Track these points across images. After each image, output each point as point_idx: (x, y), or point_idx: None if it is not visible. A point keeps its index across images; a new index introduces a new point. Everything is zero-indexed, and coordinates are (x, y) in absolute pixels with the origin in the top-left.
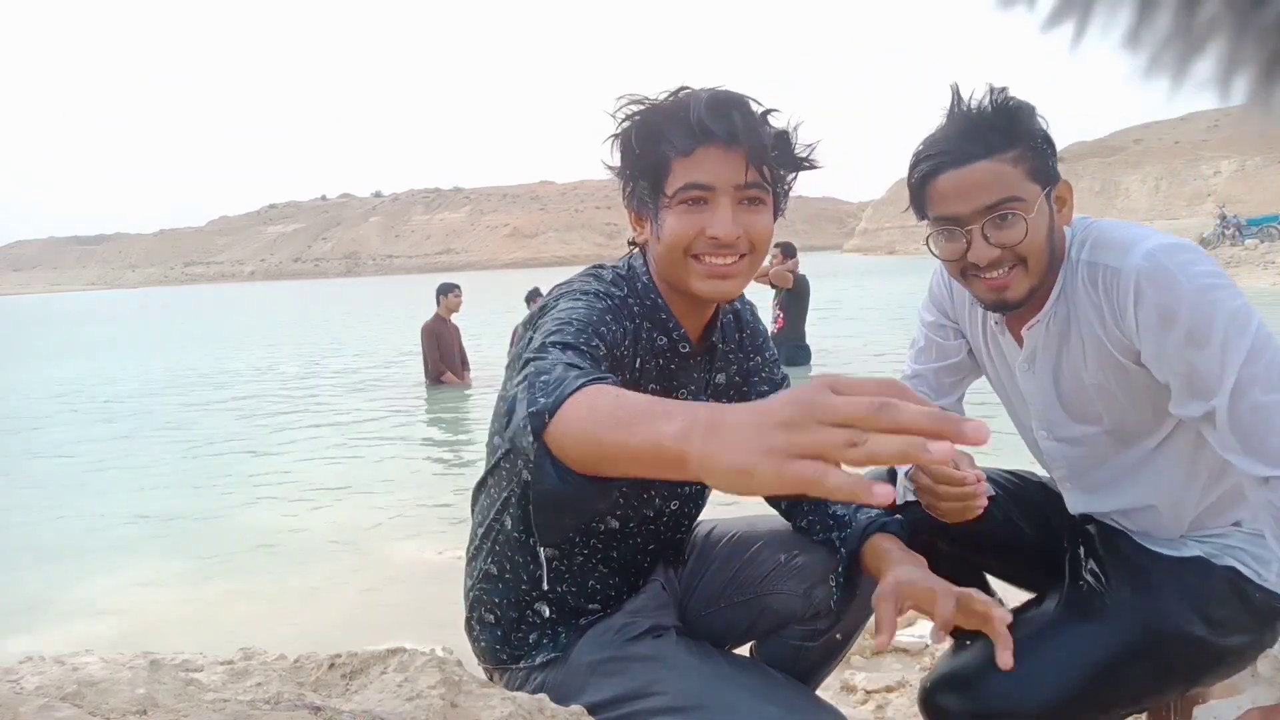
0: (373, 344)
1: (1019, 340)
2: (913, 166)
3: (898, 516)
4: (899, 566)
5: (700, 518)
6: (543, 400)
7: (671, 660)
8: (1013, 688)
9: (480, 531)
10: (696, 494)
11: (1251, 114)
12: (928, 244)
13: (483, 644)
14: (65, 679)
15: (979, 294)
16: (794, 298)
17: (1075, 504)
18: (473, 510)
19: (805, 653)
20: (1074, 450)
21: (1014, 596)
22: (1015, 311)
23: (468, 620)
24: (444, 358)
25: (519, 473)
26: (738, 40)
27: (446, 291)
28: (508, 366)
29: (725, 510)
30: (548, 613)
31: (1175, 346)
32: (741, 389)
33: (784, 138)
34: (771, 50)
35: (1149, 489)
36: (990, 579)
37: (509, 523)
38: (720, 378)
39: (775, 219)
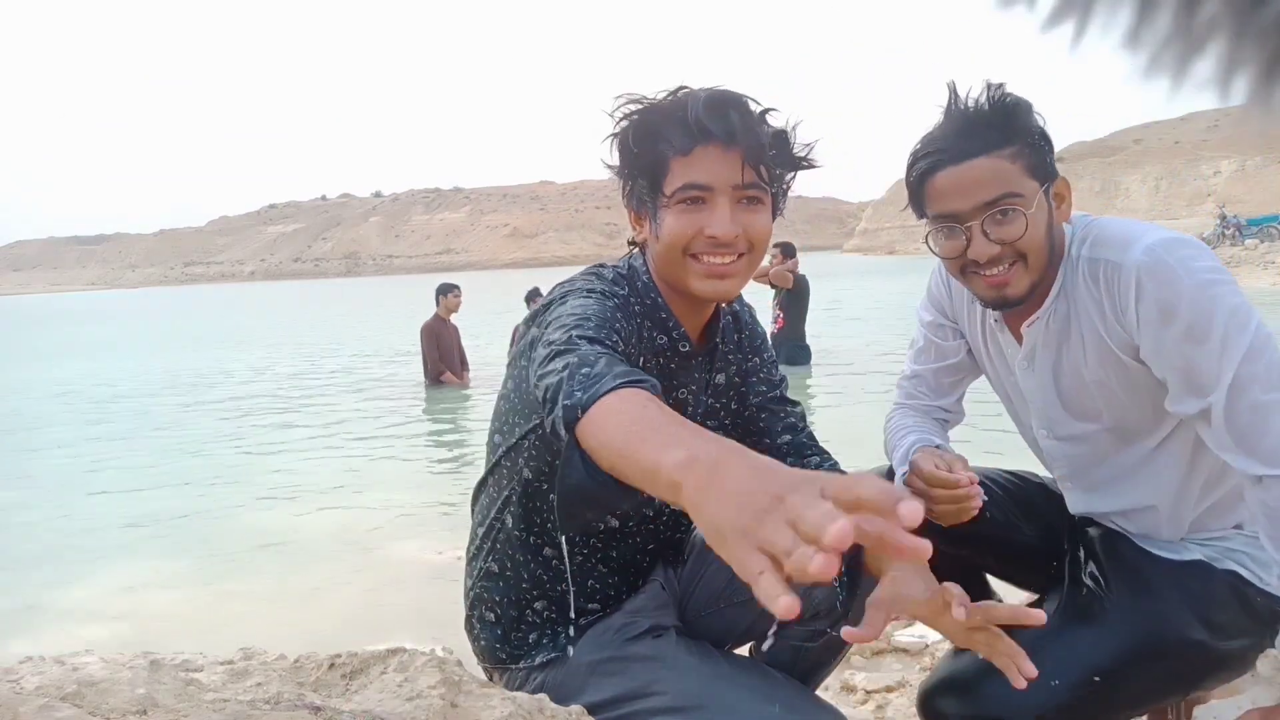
0: (372, 344)
1: (1018, 338)
2: (911, 165)
3: None
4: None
5: None
6: (578, 394)
7: (671, 660)
8: (1012, 692)
9: (481, 530)
10: None
11: (1251, 114)
12: (927, 242)
13: (483, 643)
14: (65, 679)
15: (979, 291)
16: (794, 298)
17: (1075, 504)
18: (473, 510)
19: (805, 653)
20: (1074, 448)
21: (1014, 597)
22: (1015, 309)
23: (468, 619)
24: (443, 358)
25: (520, 471)
26: (738, 40)
27: (446, 292)
28: (509, 365)
29: None
30: (547, 612)
31: (1174, 342)
32: (740, 389)
33: (782, 137)
34: (771, 50)
35: (1149, 489)
36: (990, 579)
37: (510, 521)
38: (720, 378)
39: (774, 218)
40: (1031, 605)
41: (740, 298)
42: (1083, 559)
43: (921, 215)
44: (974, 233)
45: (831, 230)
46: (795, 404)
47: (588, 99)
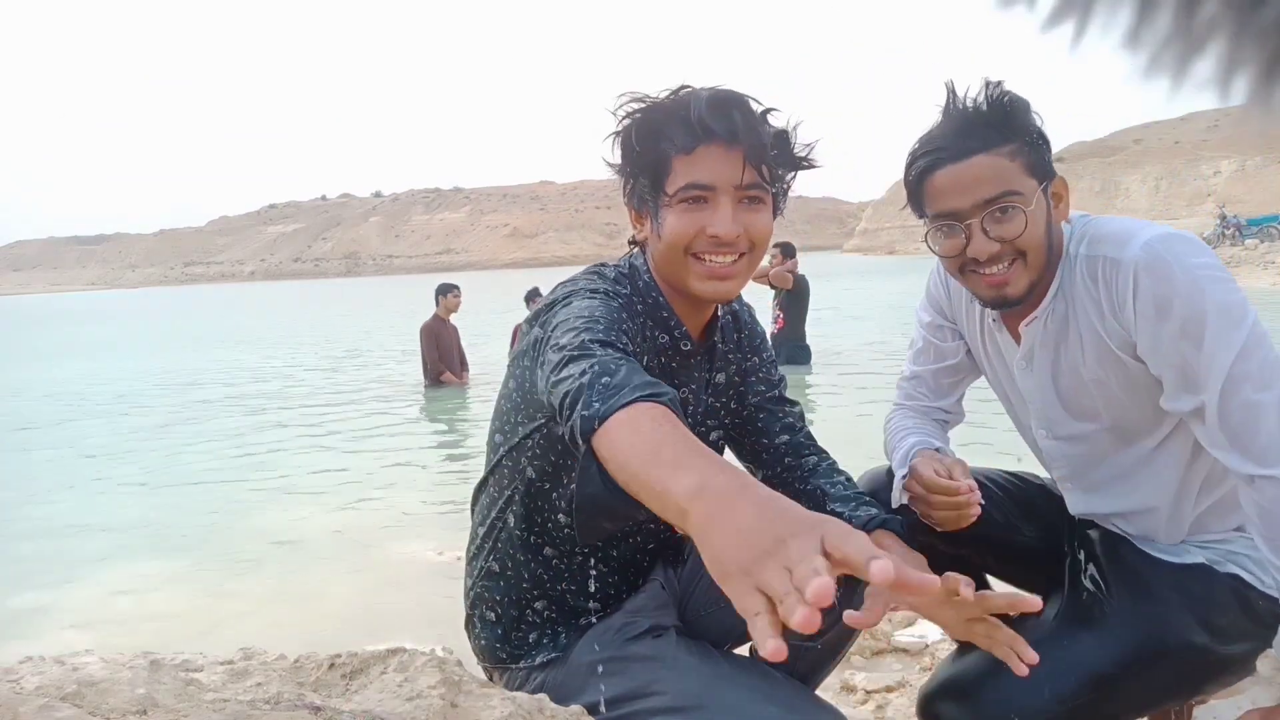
0: (372, 344)
1: (1016, 338)
2: (910, 164)
3: (898, 516)
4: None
5: None
6: (596, 405)
7: (671, 660)
8: (1012, 696)
9: (482, 530)
10: None
11: (1251, 114)
12: (926, 241)
13: (483, 643)
14: (65, 679)
15: (978, 291)
16: (794, 298)
17: (1075, 504)
18: (473, 510)
19: (805, 652)
20: (1074, 448)
21: None
22: (1013, 308)
23: (468, 619)
24: (443, 358)
25: (522, 470)
26: (738, 40)
27: (445, 292)
28: (510, 365)
29: None
30: (548, 611)
31: (1170, 338)
32: (739, 388)
33: (783, 137)
34: (771, 50)
35: (1149, 490)
36: (990, 580)
37: (511, 520)
38: (720, 377)
39: (774, 218)
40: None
41: (740, 297)
42: (1083, 561)
43: (921, 215)
44: (973, 230)
45: (831, 230)
46: (794, 404)
47: (588, 99)
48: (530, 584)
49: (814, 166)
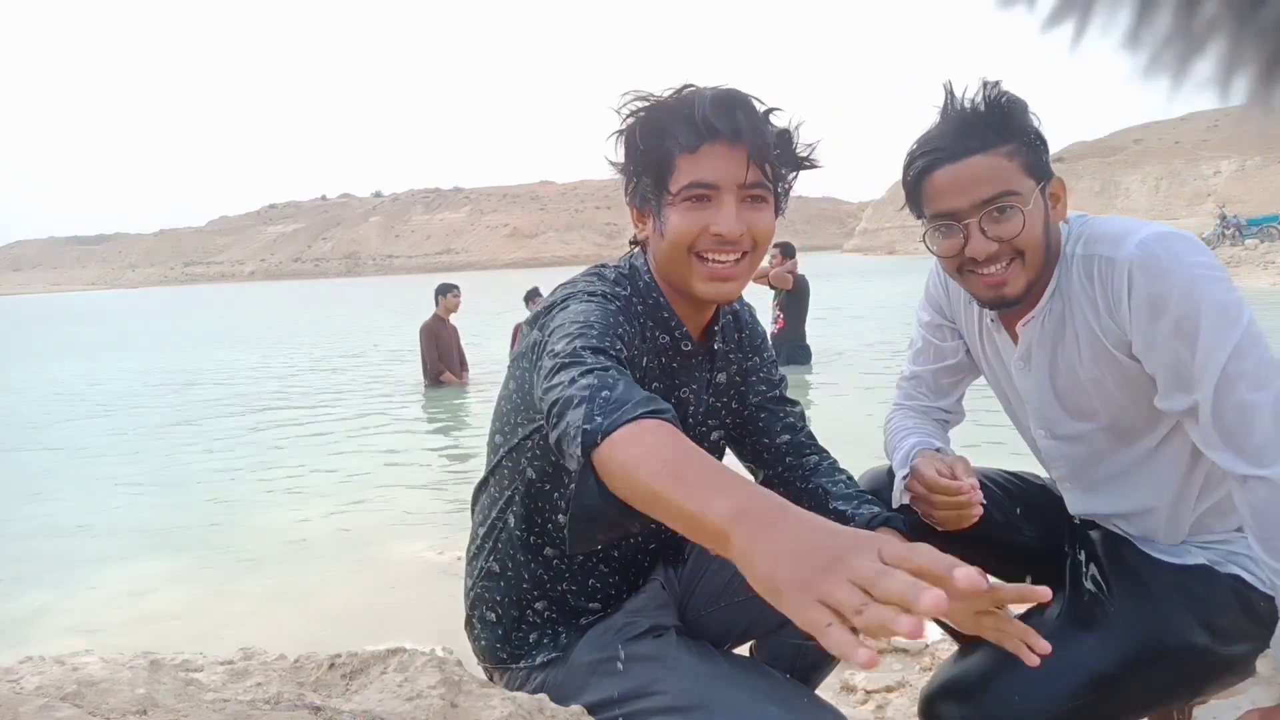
0: (371, 344)
1: (1014, 337)
2: (908, 164)
3: (901, 514)
4: None
5: None
6: (599, 419)
7: (671, 660)
8: (1014, 697)
9: (482, 530)
10: None
11: (1251, 114)
12: (924, 241)
13: (483, 643)
14: (65, 679)
15: (976, 291)
16: (794, 298)
17: (1074, 504)
18: (473, 510)
19: (806, 652)
20: (1072, 448)
21: None
22: (1011, 308)
23: (468, 619)
24: (443, 358)
25: (522, 471)
26: (738, 40)
27: (445, 292)
28: (510, 365)
29: None
30: (548, 612)
31: (1164, 337)
32: (740, 388)
33: (786, 136)
34: (771, 50)
35: (1148, 490)
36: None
37: (512, 521)
38: (721, 377)
39: (776, 218)
40: (1033, 611)
41: (740, 297)
42: (1084, 562)
43: (919, 215)
44: (972, 230)
45: (831, 230)
46: (794, 403)
47: (588, 99)
48: (530, 584)
49: (815, 167)
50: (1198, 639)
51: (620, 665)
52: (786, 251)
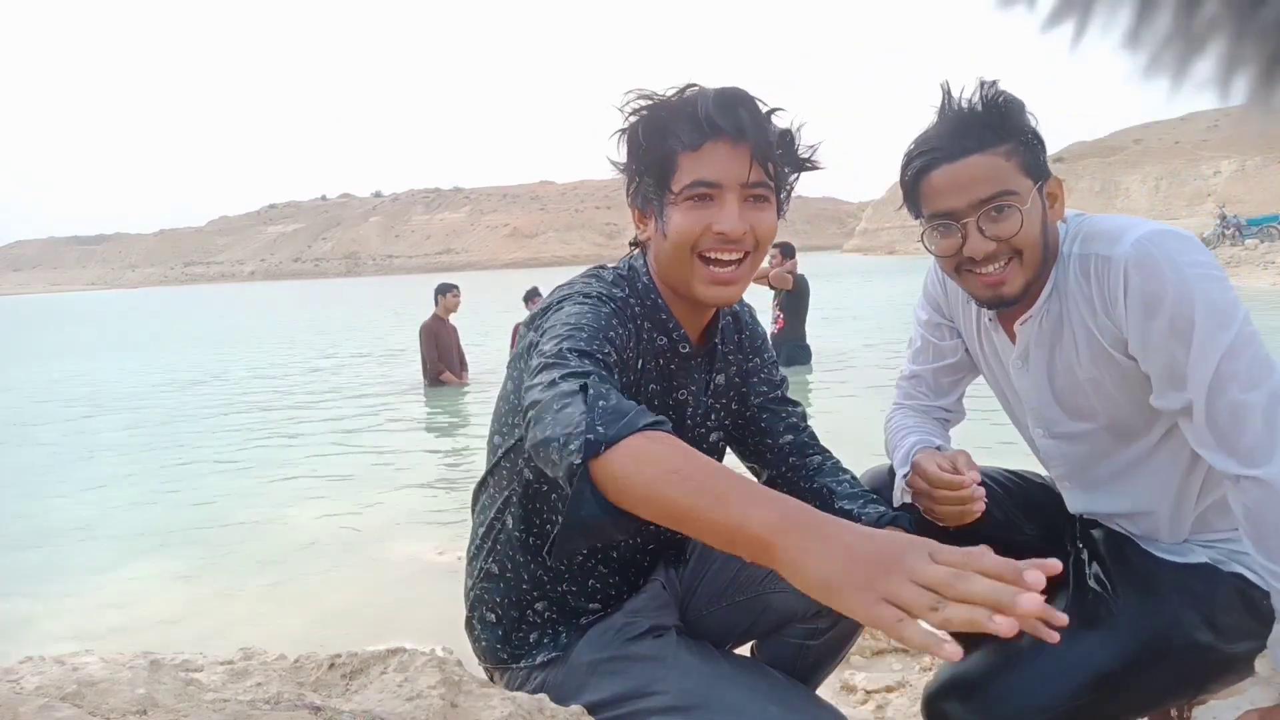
0: (371, 344)
1: (1012, 337)
2: (906, 164)
3: (906, 513)
4: None
5: None
6: (601, 430)
7: (672, 660)
8: (1017, 695)
9: (481, 531)
10: None
11: (1251, 114)
12: (922, 241)
13: (483, 643)
14: (65, 679)
15: (974, 290)
16: (794, 299)
17: (1074, 503)
18: (473, 510)
19: (807, 651)
20: (1071, 448)
21: None
22: (1009, 308)
23: (468, 619)
24: (442, 358)
25: (520, 472)
26: (738, 40)
27: (445, 291)
28: (509, 366)
29: None
30: (549, 612)
31: (1159, 336)
32: (741, 390)
33: (788, 137)
34: (771, 50)
35: (1148, 488)
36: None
37: (510, 522)
38: (719, 378)
39: (778, 218)
40: None
41: (740, 298)
42: (1086, 561)
43: (917, 215)
44: (970, 230)
45: (831, 230)
46: (796, 404)
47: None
48: (530, 585)
49: (818, 168)
50: (1201, 637)
51: (621, 665)
52: (786, 252)
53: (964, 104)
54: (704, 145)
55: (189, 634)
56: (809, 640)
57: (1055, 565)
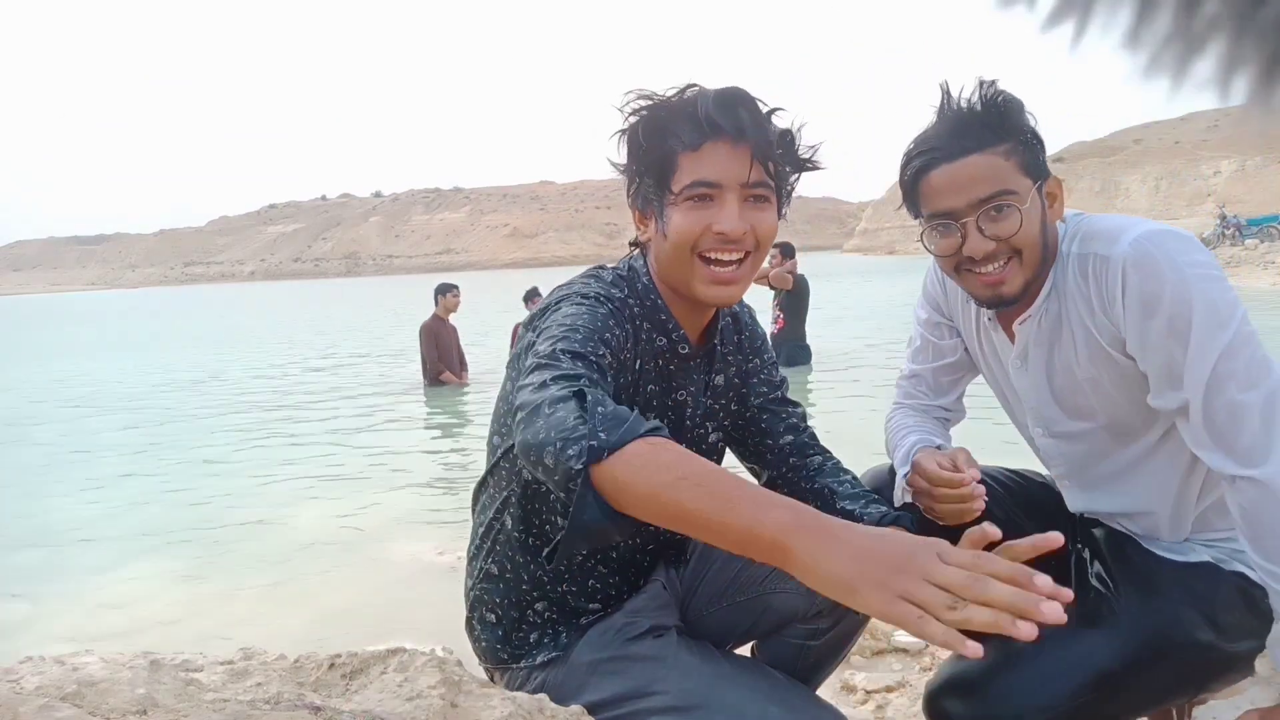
0: (371, 344)
1: (1011, 336)
2: (905, 164)
3: (908, 512)
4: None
5: None
6: (604, 436)
7: (672, 660)
8: (1019, 692)
9: (481, 531)
10: None
11: (1251, 114)
12: (922, 240)
13: (483, 643)
14: (65, 679)
15: (974, 290)
16: (793, 299)
17: (1075, 502)
18: (473, 510)
19: (807, 652)
20: (1071, 447)
21: None
22: (1008, 307)
23: (468, 620)
24: (442, 357)
25: (519, 473)
26: (738, 40)
27: (445, 291)
28: (508, 365)
29: None
30: (549, 612)
31: (1156, 335)
32: (740, 390)
33: (788, 137)
34: (771, 50)
35: (1148, 488)
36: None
37: (509, 522)
38: (719, 379)
39: (779, 219)
40: None
41: (741, 298)
42: (1089, 560)
43: (916, 215)
44: (969, 229)
45: (831, 230)
46: (796, 405)
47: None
48: (530, 585)
49: (818, 168)
50: (1202, 636)
51: (621, 665)
52: (786, 252)
53: (963, 104)
54: (704, 145)
55: (189, 634)
56: (810, 641)
57: (1056, 539)
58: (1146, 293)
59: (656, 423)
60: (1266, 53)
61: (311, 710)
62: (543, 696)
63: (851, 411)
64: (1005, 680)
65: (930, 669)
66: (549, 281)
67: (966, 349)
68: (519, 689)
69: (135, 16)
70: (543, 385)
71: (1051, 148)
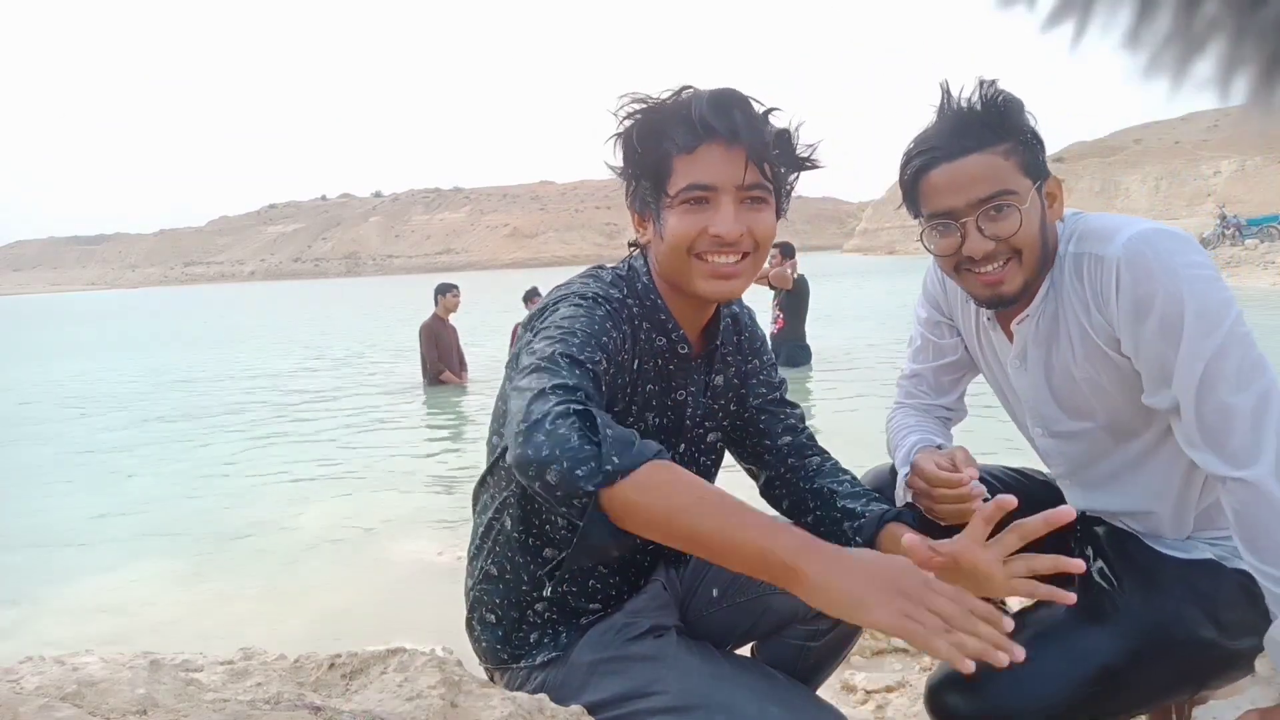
0: (371, 344)
1: (1010, 336)
2: (905, 163)
3: (909, 511)
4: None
5: None
6: (616, 461)
7: (672, 660)
8: (1020, 687)
9: (480, 531)
10: None
11: (1251, 114)
12: (921, 240)
13: (484, 644)
14: (65, 679)
15: (973, 290)
16: (793, 299)
17: (1076, 502)
18: (474, 510)
19: (807, 653)
20: (1070, 446)
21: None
22: (1007, 307)
23: (468, 620)
24: (442, 357)
25: None
26: (738, 40)
27: (444, 291)
28: (507, 366)
29: None
30: (549, 613)
31: (1150, 335)
32: (740, 391)
33: (785, 137)
34: (771, 50)
35: (1148, 487)
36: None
37: (509, 523)
38: (718, 380)
39: (778, 219)
40: (1039, 604)
41: (740, 299)
42: (1091, 557)
43: (916, 215)
44: (969, 229)
45: (831, 230)
46: (795, 406)
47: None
48: (530, 586)
49: (816, 167)
50: (1204, 633)
51: (621, 665)
52: (786, 252)
53: (963, 103)
54: (698, 148)
55: (189, 634)
56: (810, 641)
57: (1069, 513)
58: (1139, 293)
59: (660, 445)
60: (1266, 53)
61: (311, 710)
62: (543, 696)
63: (851, 411)
64: (1006, 675)
65: (930, 669)
66: (549, 281)
67: (966, 348)
68: (519, 689)
69: (135, 16)
70: (541, 394)
71: (1051, 148)
